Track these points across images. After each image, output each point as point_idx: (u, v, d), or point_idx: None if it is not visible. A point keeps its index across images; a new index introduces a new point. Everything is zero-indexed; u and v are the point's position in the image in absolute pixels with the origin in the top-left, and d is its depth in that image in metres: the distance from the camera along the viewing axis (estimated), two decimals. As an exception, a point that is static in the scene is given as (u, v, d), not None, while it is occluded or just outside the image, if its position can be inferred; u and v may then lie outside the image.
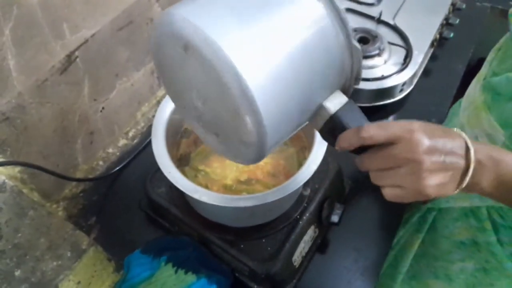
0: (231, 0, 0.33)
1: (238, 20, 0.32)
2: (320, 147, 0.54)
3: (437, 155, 0.35)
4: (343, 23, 0.34)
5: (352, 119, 0.37)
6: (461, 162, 0.36)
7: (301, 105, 0.35)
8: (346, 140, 0.37)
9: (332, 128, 0.38)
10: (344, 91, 0.38)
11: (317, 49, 0.34)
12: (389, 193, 0.38)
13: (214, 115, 0.36)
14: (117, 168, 0.73)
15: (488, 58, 0.58)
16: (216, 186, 0.58)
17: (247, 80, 0.31)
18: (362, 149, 0.38)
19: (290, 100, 0.34)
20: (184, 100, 0.39)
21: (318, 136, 0.55)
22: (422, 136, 0.35)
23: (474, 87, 0.58)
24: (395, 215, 0.69)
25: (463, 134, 0.38)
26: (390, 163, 0.36)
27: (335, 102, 0.37)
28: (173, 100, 0.43)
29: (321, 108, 0.37)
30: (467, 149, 0.37)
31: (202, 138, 0.43)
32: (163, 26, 0.34)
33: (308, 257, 0.62)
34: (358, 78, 0.38)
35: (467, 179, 0.37)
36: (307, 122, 0.39)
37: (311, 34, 0.34)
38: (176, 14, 0.33)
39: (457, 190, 0.38)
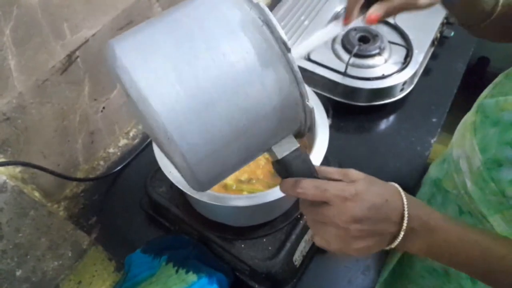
0: (169, 38, 0.32)
1: (171, 61, 0.31)
2: (320, 146, 0.54)
3: (365, 224, 0.36)
4: (298, 83, 0.33)
5: (297, 168, 0.38)
6: (392, 229, 0.37)
7: (242, 153, 0.35)
8: (285, 188, 0.38)
9: (279, 170, 0.39)
10: (298, 135, 0.39)
11: (263, 103, 0.33)
12: (317, 241, 0.39)
13: (156, 140, 0.36)
14: (118, 168, 0.74)
15: (496, 80, 0.56)
16: (216, 186, 0.58)
17: (178, 143, 0.30)
18: None
19: (229, 155, 0.34)
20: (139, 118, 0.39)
21: (319, 136, 0.55)
22: (353, 205, 0.36)
23: (473, 108, 0.57)
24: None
25: (404, 198, 0.38)
26: (320, 219, 0.38)
27: (284, 148, 0.37)
28: (134, 116, 0.43)
29: (270, 150, 0.38)
30: (402, 217, 0.37)
31: (162, 151, 0.43)
32: (105, 56, 0.34)
33: (308, 257, 0.62)
34: (311, 128, 0.38)
35: (396, 242, 0.37)
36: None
37: (257, 87, 0.32)
38: (112, 48, 0.32)
39: (386, 248, 0.39)
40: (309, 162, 0.39)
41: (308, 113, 0.35)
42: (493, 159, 0.47)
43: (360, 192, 0.36)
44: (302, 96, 0.34)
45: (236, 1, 0.32)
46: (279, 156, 0.37)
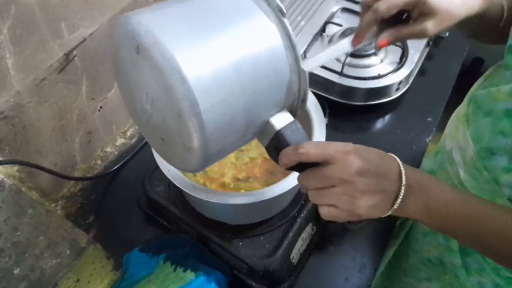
0: (187, 12, 0.35)
1: (190, 28, 0.34)
2: (317, 144, 0.54)
3: (369, 177, 0.37)
4: (292, 46, 0.36)
5: (295, 138, 0.39)
6: (393, 185, 0.38)
7: (246, 117, 0.37)
8: (286, 156, 0.39)
9: (277, 145, 0.40)
10: (291, 112, 0.40)
11: (266, 65, 0.36)
12: (324, 212, 0.39)
13: (161, 118, 0.37)
14: (115, 167, 0.74)
15: (486, 73, 0.57)
16: (214, 184, 0.59)
17: (191, 83, 0.32)
18: (303, 167, 0.39)
19: (234, 110, 0.35)
20: (135, 102, 0.41)
21: (316, 134, 0.56)
22: (355, 158, 0.37)
23: (464, 100, 0.58)
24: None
25: (397, 159, 0.40)
26: (325, 182, 0.38)
27: (281, 120, 0.39)
28: (126, 103, 0.44)
29: (267, 124, 0.39)
30: (400, 174, 0.38)
31: (151, 144, 0.44)
32: (119, 27, 0.35)
33: (306, 255, 0.62)
34: (304, 100, 0.39)
35: (398, 201, 0.38)
36: (254, 138, 0.40)
37: (261, 51, 0.35)
38: (132, 17, 0.34)
39: (390, 212, 0.39)
40: (304, 133, 0.40)
41: (303, 78, 0.37)
42: (486, 148, 0.48)
43: (358, 148, 0.38)
44: (297, 60, 0.36)
45: None
46: (277, 127, 0.38)
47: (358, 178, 0.37)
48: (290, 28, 0.36)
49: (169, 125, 0.37)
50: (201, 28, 0.34)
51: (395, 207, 0.39)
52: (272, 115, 0.39)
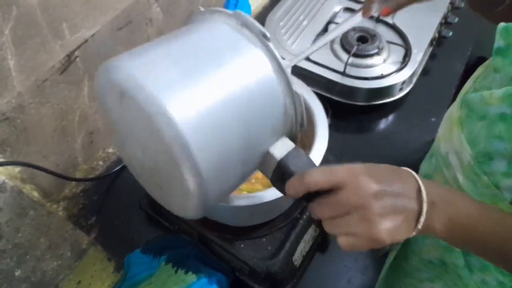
0: (168, 51, 0.33)
1: (172, 67, 0.32)
2: (320, 145, 0.54)
3: (386, 199, 0.34)
4: (281, 70, 0.34)
5: (299, 165, 0.37)
6: (413, 204, 0.35)
7: (244, 153, 0.35)
8: (292, 187, 0.36)
9: (281, 175, 0.37)
10: (291, 138, 0.38)
11: (257, 94, 0.34)
12: (343, 243, 0.36)
13: (154, 164, 0.36)
14: (117, 168, 0.73)
15: (474, 74, 0.57)
16: (216, 186, 0.59)
17: (178, 124, 0.30)
18: (312, 196, 0.36)
19: (229, 145, 0.33)
20: (127, 149, 0.39)
21: (318, 135, 0.55)
22: (367, 180, 0.34)
23: (456, 101, 0.58)
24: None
25: (415, 175, 0.36)
26: (339, 210, 0.35)
27: (281, 149, 0.37)
28: (119, 151, 0.43)
29: (267, 155, 0.37)
30: (419, 191, 0.35)
31: (150, 193, 0.42)
32: (101, 76, 0.34)
33: (308, 256, 0.62)
34: (302, 125, 0.37)
35: (422, 220, 0.35)
36: (256, 171, 0.39)
37: (250, 80, 0.34)
38: (112, 63, 0.33)
39: (414, 233, 0.36)
40: (308, 158, 0.38)
41: (297, 101, 0.36)
42: (483, 153, 0.47)
43: (369, 167, 0.35)
44: (288, 83, 0.35)
45: (218, 21, 0.36)
46: (279, 157, 0.36)
47: (373, 201, 0.34)
48: (276, 53, 0.34)
49: (162, 171, 0.35)
50: (183, 66, 0.32)
51: (419, 226, 0.35)
52: (271, 144, 0.37)
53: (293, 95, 0.35)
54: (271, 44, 0.34)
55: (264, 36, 0.34)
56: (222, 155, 0.33)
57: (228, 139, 0.33)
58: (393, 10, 0.54)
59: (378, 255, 0.65)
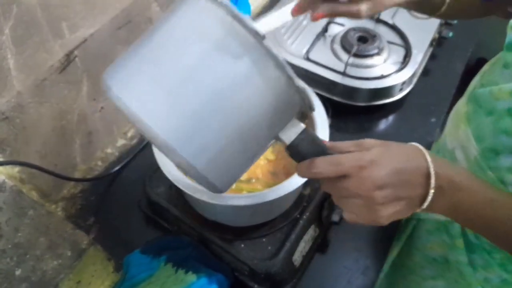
0: (153, 62, 0.33)
1: (158, 83, 0.32)
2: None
3: (389, 189, 0.35)
4: (281, 65, 0.33)
5: (308, 149, 0.38)
6: (418, 190, 0.36)
7: (247, 145, 0.36)
8: (301, 172, 0.38)
9: (292, 155, 0.39)
10: (302, 116, 0.38)
11: (256, 96, 0.34)
12: (347, 217, 0.39)
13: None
14: (116, 168, 0.73)
15: (482, 69, 0.57)
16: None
17: (179, 152, 0.32)
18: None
19: (235, 151, 0.35)
20: None
21: (319, 135, 0.55)
22: (371, 171, 0.35)
23: (463, 97, 0.58)
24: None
25: (427, 156, 0.37)
26: (344, 194, 0.37)
27: (290, 133, 0.37)
28: None
29: (278, 138, 0.38)
30: (427, 176, 0.36)
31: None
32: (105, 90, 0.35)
33: (308, 257, 0.62)
34: (312, 108, 0.38)
35: (426, 204, 0.37)
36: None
37: (239, 78, 0.33)
38: (105, 81, 0.34)
39: (414, 211, 0.38)
40: (318, 140, 0.39)
41: (303, 93, 0.35)
42: (490, 148, 0.47)
43: (376, 158, 0.36)
44: (291, 78, 0.34)
45: (206, 10, 0.33)
46: (287, 142, 0.37)
47: (375, 192, 0.35)
48: (272, 49, 0.33)
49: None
50: (168, 80, 0.32)
51: (423, 207, 0.37)
52: (280, 130, 0.37)
53: (298, 88, 0.35)
54: (265, 42, 0.32)
55: (257, 34, 0.32)
56: (230, 160, 0.35)
57: (232, 146, 0.34)
58: (325, 16, 0.51)
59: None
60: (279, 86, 0.34)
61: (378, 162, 0.35)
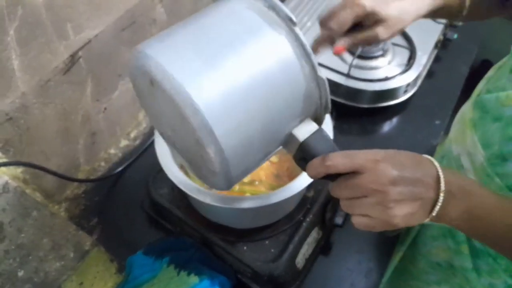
0: (194, 38, 0.35)
1: (198, 56, 0.34)
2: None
3: (403, 185, 0.35)
4: (307, 54, 0.35)
5: (321, 147, 0.38)
6: (430, 192, 0.36)
7: (267, 136, 0.36)
8: (313, 168, 0.38)
9: (304, 155, 0.39)
10: (316, 119, 0.39)
11: (279, 80, 0.35)
12: (357, 222, 0.38)
13: (183, 144, 0.38)
14: (119, 169, 0.73)
15: (487, 75, 0.57)
16: (219, 187, 0.58)
17: (204, 112, 0.32)
18: (334, 176, 0.38)
19: (252, 130, 0.35)
20: (160, 126, 0.42)
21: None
22: (386, 166, 0.35)
23: (468, 103, 0.57)
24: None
25: (435, 163, 0.37)
26: (356, 193, 0.37)
27: (304, 131, 0.38)
28: (154, 125, 0.45)
29: (291, 136, 0.38)
30: (437, 179, 0.36)
31: (187, 167, 0.45)
32: (133, 62, 0.36)
33: (311, 259, 0.62)
34: (327, 107, 0.38)
35: (437, 208, 0.36)
36: (281, 147, 0.40)
37: (272, 66, 0.35)
38: (142, 50, 0.35)
39: (427, 219, 0.37)
40: (331, 141, 0.39)
41: (322, 86, 0.36)
42: (497, 154, 0.47)
43: (390, 154, 0.36)
44: (314, 67, 0.35)
45: (242, 4, 0.36)
46: (301, 139, 0.38)
47: (391, 187, 0.35)
48: (302, 37, 0.34)
49: (191, 151, 0.37)
50: (209, 53, 0.34)
51: (433, 214, 0.37)
52: (294, 127, 0.38)
53: (318, 79, 0.36)
54: (297, 29, 0.35)
55: (290, 20, 0.35)
56: (245, 139, 0.35)
57: (250, 123, 0.34)
58: (346, 49, 0.52)
59: (390, 235, 0.65)
60: (303, 75, 0.35)
61: (392, 157, 0.36)
